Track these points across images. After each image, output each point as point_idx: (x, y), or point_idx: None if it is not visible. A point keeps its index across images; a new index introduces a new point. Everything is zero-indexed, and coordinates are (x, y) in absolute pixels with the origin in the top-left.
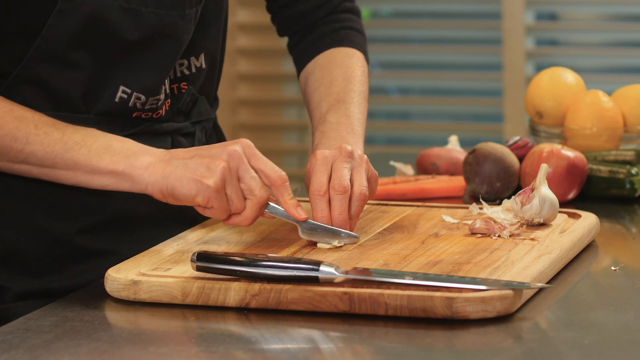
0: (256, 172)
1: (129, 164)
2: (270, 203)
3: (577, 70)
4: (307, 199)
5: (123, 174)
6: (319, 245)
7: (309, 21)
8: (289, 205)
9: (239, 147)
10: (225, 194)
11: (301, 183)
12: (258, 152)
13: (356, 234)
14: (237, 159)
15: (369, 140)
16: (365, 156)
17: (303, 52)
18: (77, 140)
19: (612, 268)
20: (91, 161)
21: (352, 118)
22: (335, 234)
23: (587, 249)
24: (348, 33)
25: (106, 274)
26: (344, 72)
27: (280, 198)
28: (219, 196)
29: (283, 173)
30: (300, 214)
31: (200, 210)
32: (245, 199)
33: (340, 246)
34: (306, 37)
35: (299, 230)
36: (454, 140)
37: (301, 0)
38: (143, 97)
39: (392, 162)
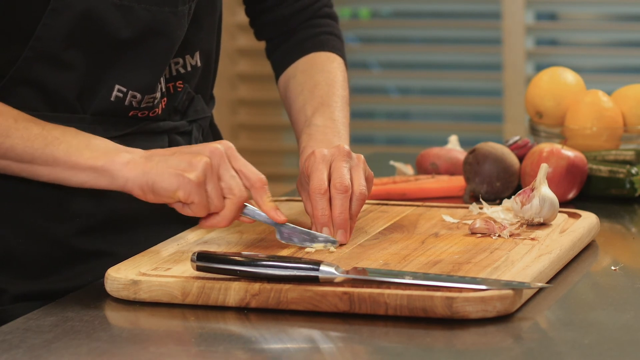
0: (236, 173)
1: (108, 159)
2: (248, 205)
3: (577, 70)
4: (283, 198)
5: (102, 169)
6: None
7: (289, 26)
8: (268, 208)
9: (221, 147)
10: (205, 190)
11: None
12: (239, 155)
13: (334, 239)
14: (218, 156)
15: (369, 140)
16: (362, 156)
17: (283, 56)
18: (57, 135)
19: (612, 268)
20: (71, 157)
21: (337, 122)
22: (313, 237)
23: (587, 248)
24: (328, 38)
25: (106, 274)
26: (326, 76)
27: (259, 200)
28: (200, 191)
29: (262, 176)
30: (280, 216)
31: (179, 208)
32: (224, 198)
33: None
34: (286, 41)
35: (277, 233)
36: (453, 140)
37: (282, 4)
38: (139, 96)
39: (392, 162)
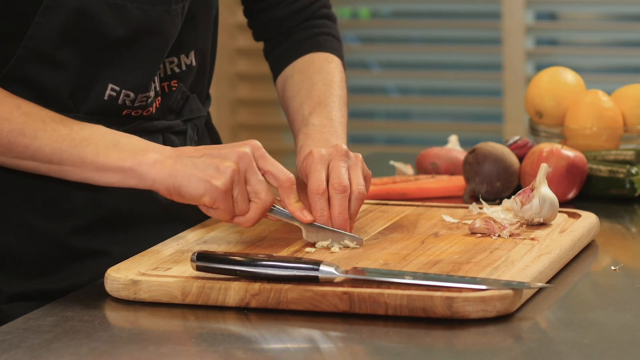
0: (264, 173)
1: (136, 160)
2: (274, 206)
3: (577, 70)
4: None
5: (130, 170)
6: (317, 245)
7: (287, 26)
8: (295, 208)
9: (249, 149)
10: (231, 196)
11: None
12: (267, 154)
13: (359, 237)
14: (246, 161)
15: (368, 140)
16: (360, 155)
17: (281, 56)
18: (85, 136)
19: (612, 268)
20: (99, 158)
21: (335, 121)
22: (339, 236)
23: (587, 248)
24: (326, 39)
25: (106, 274)
26: (324, 76)
27: (286, 200)
28: (226, 197)
29: (291, 175)
30: (306, 216)
31: (204, 210)
32: (249, 201)
33: (344, 248)
34: (284, 41)
35: (303, 232)
36: (453, 140)
37: (280, 5)
38: (132, 95)
39: (392, 162)
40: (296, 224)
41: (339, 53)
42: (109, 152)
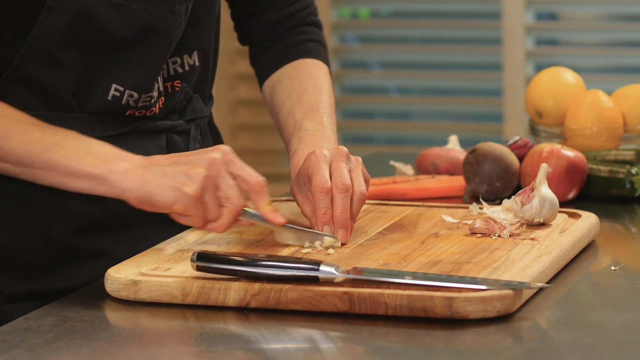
0: (235, 178)
1: (107, 168)
2: (246, 209)
3: (577, 70)
4: (284, 198)
5: (100, 177)
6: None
7: (276, 31)
8: (267, 211)
9: (219, 155)
10: (203, 202)
11: None
12: (237, 159)
13: (334, 236)
14: (216, 167)
15: (369, 140)
16: (360, 158)
17: (268, 61)
18: (57, 140)
19: (612, 268)
20: (69, 163)
21: (326, 127)
22: (314, 236)
23: (587, 249)
24: (314, 46)
25: (106, 274)
26: (314, 82)
27: (258, 203)
28: (197, 204)
29: (261, 178)
30: (278, 218)
31: (175, 218)
32: (221, 206)
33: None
34: (272, 47)
35: (276, 234)
36: (454, 140)
37: (270, 9)
38: (136, 95)
39: (392, 162)
40: (269, 226)
41: (326, 60)
42: (81, 158)
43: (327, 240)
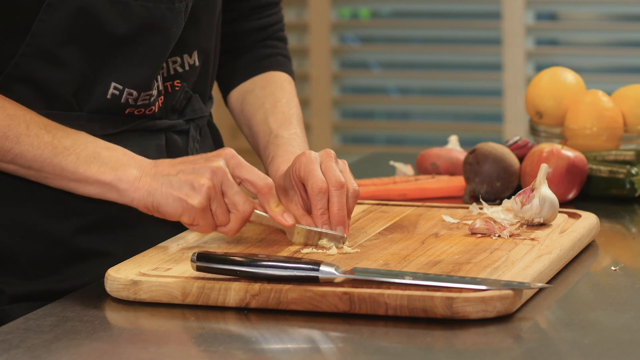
0: (242, 181)
1: (116, 176)
2: (256, 211)
3: (577, 70)
4: None
5: (110, 185)
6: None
7: (247, 41)
8: (275, 213)
9: (222, 162)
10: (210, 211)
11: None
12: (243, 161)
13: (342, 233)
14: (220, 175)
15: (369, 140)
16: (346, 161)
17: (237, 70)
18: (67, 145)
19: (612, 268)
20: (78, 169)
21: (300, 137)
22: (324, 236)
23: (587, 249)
24: (284, 60)
25: (106, 274)
26: (286, 95)
27: (267, 206)
28: (204, 214)
29: (269, 180)
30: (287, 220)
31: (186, 225)
32: (229, 212)
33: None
34: (240, 57)
35: (288, 235)
36: (454, 140)
37: (243, 19)
38: (135, 93)
39: (392, 162)
40: (279, 226)
41: (293, 75)
42: (89, 165)
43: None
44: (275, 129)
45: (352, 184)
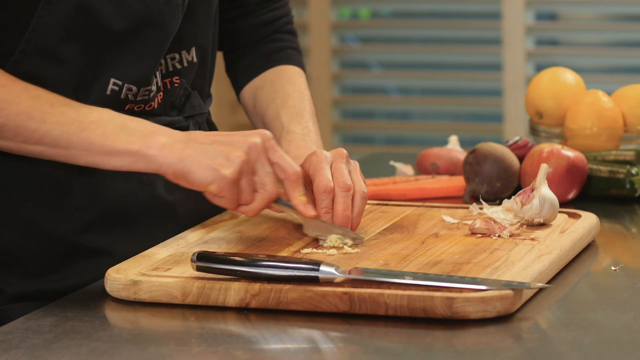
0: (272, 165)
1: (145, 143)
2: (279, 198)
3: (577, 70)
4: None
5: (138, 153)
6: (327, 242)
7: (255, 37)
8: (299, 202)
9: (259, 140)
10: (238, 185)
11: None
12: (277, 145)
13: (360, 235)
14: (256, 151)
15: (369, 140)
16: (357, 163)
17: (249, 66)
18: (93, 119)
19: (612, 268)
20: (106, 141)
21: (312, 132)
22: (340, 232)
23: (587, 249)
24: (293, 53)
25: (106, 274)
26: (297, 89)
27: (292, 193)
28: (233, 187)
29: (299, 169)
30: (310, 211)
31: (209, 197)
32: (255, 191)
33: (344, 246)
34: (250, 53)
35: (304, 227)
36: (454, 140)
37: (250, 15)
38: (135, 88)
39: (392, 162)
40: (298, 217)
41: (304, 68)
42: (117, 135)
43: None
44: (286, 124)
45: (361, 185)
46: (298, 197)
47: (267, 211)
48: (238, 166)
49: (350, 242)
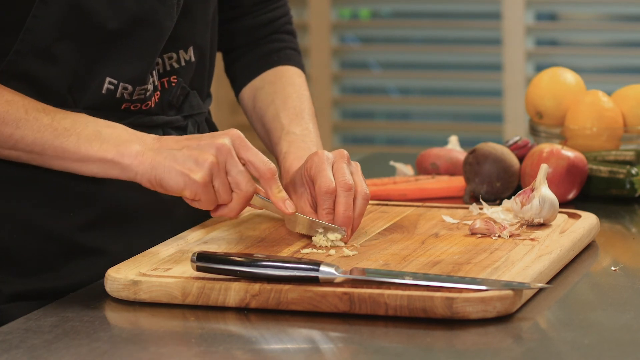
0: (245, 163)
1: (118, 152)
2: (259, 195)
3: (577, 70)
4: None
5: (112, 162)
6: (313, 240)
7: (254, 37)
8: (277, 199)
9: (228, 140)
10: (212, 187)
11: None
12: (248, 143)
13: (343, 230)
14: (225, 153)
15: (369, 140)
16: (358, 164)
17: (248, 67)
18: (67, 126)
19: (612, 268)
20: (80, 149)
21: (312, 132)
22: (323, 227)
23: (587, 249)
24: (293, 53)
25: (106, 274)
26: (296, 89)
27: (269, 191)
28: (206, 190)
29: (272, 165)
30: (288, 207)
31: (188, 201)
32: (232, 191)
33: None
34: (249, 53)
35: (286, 222)
36: (454, 140)
37: (249, 15)
38: (130, 87)
39: (392, 162)
40: (279, 213)
41: (304, 69)
42: (91, 143)
43: (333, 234)
44: (286, 125)
45: (363, 186)
46: (276, 195)
47: (266, 211)
48: (207, 169)
49: (332, 237)
